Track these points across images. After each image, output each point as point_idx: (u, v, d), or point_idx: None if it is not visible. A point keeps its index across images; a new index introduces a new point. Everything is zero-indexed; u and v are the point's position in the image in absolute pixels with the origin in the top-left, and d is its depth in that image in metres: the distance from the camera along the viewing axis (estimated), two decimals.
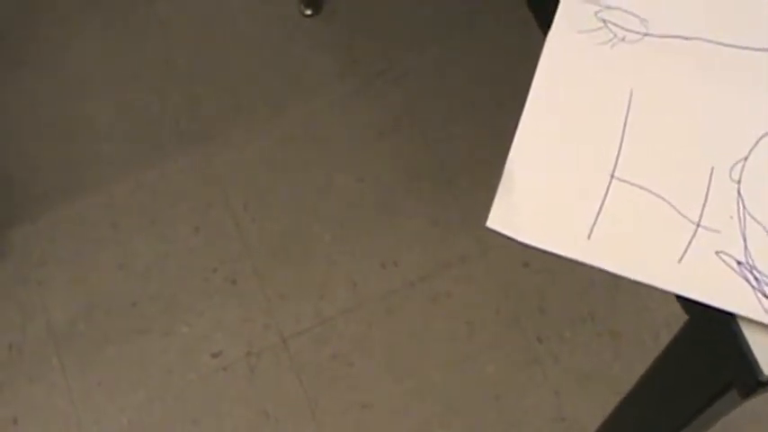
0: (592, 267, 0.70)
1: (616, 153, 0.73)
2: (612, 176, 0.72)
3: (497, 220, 0.72)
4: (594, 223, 0.71)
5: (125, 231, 1.74)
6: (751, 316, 0.68)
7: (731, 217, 0.70)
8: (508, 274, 1.69)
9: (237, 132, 1.82)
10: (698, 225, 0.70)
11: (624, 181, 0.72)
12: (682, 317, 0.76)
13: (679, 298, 0.71)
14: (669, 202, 0.71)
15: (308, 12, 1.92)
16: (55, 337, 1.66)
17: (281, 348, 1.65)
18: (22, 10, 1.95)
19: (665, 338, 0.86)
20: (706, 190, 0.71)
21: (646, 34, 0.76)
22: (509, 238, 0.72)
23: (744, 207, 0.70)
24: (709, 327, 0.71)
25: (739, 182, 0.71)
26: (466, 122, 1.81)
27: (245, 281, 1.70)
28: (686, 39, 0.76)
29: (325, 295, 1.69)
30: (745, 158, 0.72)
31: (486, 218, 0.73)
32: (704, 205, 0.71)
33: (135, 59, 1.89)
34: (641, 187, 0.72)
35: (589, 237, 0.71)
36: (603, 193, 0.72)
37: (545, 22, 0.78)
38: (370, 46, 1.89)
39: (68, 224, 1.75)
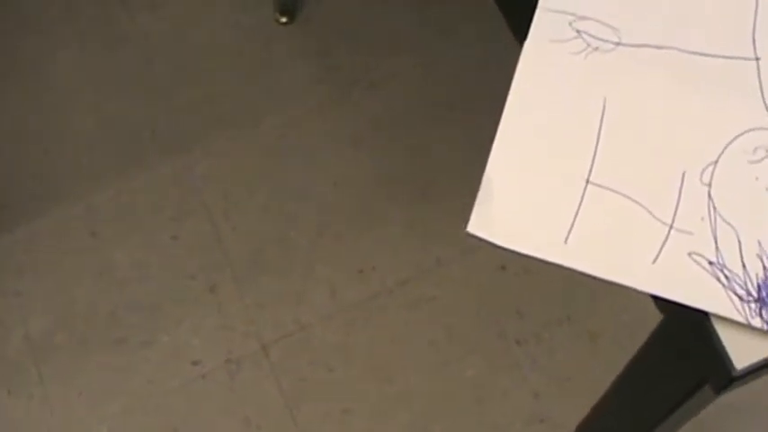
0: (569, 270, 0.72)
1: (591, 159, 0.75)
2: (588, 182, 0.74)
3: (477, 225, 0.74)
4: (571, 227, 0.73)
5: (104, 240, 1.75)
6: (723, 314, 0.70)
7: (702, 219, 0.72)
8: (486, 278, 1.71)
9: (216, 141, 1.83)
10: (671, 227, 0.72)
11: (599, 186, 0.74)
12: (658, 317, 0.78)
13: (654, 298, 0.73)
14: (643, 206, 0.73)
15: (284, 20, 1.93)
16: (33, 347, 1.67)
17: (260, 355, 1.66)
18: (1, 21, 1.95)
19: (642, 339, 0.88)
20: (678, 193, 0.73)
21: (618, 44, 0.78)
22: (489, 243, 0.73)
23: (714, 209, 0.72)
24: (684, 325, 0.73)
25: (710, 185, 0.73)
26: (443, 128, 1.82)
27: (224, 288, 1.71)
28: (658, 48, 0.78)
29: (304, 302, 1.70)
30: (715, 162, 0.74)
31: (463, 222, 0.75)
32: (676, 208, 0.73)
33: (114, 69, 1.90)
34: (616, 192, 0.74)
35: (566, 240, 0.73)
36: (579, 197, 0.74)
37: (521, 31, 0.80)
38: (346, 53, 1.91)
39: (47, 234, 1.75)
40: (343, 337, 1.68)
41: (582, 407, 1.22)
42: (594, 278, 0.72)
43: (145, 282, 1.72)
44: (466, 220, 0.75)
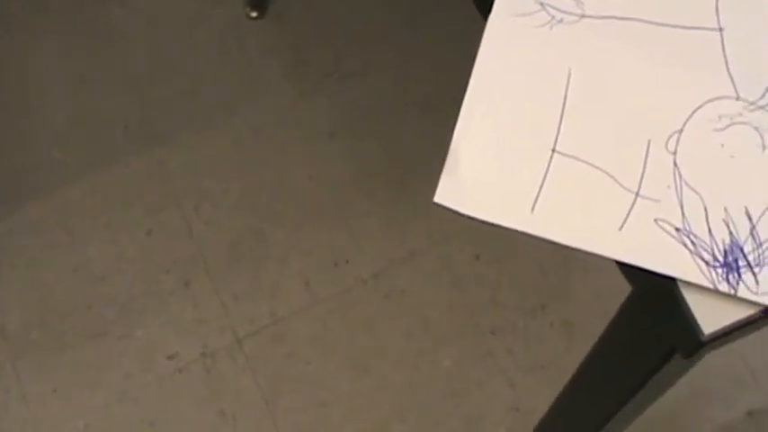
0: (537, 238, 0.73)
1: (556, 129, 0.75)
2: (554, 151, 0.75)
3: (444, 195, 0.74)
4: (537, 196, 0.73)
5: (78, 235, 1.74)
6: (690, 279, 0.70)
7: (668, 186, 0.73)
8: (460, 268, 1.71)
9: (189, 135, 1.83)
10: (637, 195, 0.73)
11: (565, 155, 0.74)
12: None
13: (622, 267, 0.73)
14: (609, 174, 0.74)
15: (254, 14, 1.94)
16: (9, 342, 1.66)
17: (236, 349, 1.66)
18: None
19: None
20: (644, 161, 0.74)
21: (582, 15, 0.79)
22: (456, 212, 0.74)
23: (680, 176, 0.73)
24: (652, 293, 0.74)
25: (675, 153, 0.74)
26: (416, 120, 1.83)
27: (199, 282, 1.71)
28: (622, 19, 0.79)
29: (279, 295, 1.70)
30: (680, 131, 0.75)
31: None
32: (642, 176, 0.73)
33: (86, 63, 1.90)
34: (581, 160, 0.74)
35: (533, 209, 0.73)
36: (545, 166, 0.74)
37: (486, 7, 0.81)
38: (318, 47, 1.91)
39: (21, 229, 1.75)
40: (318, 330, 1.68)
41: (557, 395, 1.22)
42: (562, 246, 0.72)
43: (120, 277, 1.72)
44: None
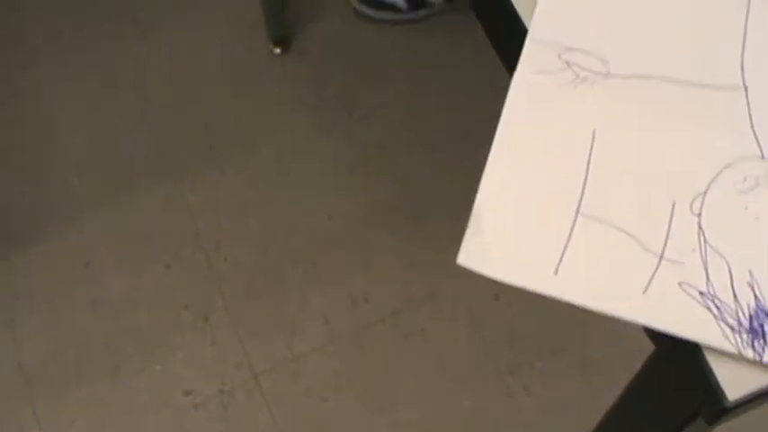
0: (560, 300, 0.72)
1: (581, 190, 0.75)
2: (578, 212, 0.74)
3: (468, 256, 0.74)
4: (561, 258, 0.73)
5: (97, 269, 1.75)
6: (714, 345, 0.69)
7: (693, 249, 0.72)
8: (479, 308, 1.70)
9: (209, 170, 1.83)
10: (661, 257, 0.72)
11: (589, 217, 0.74)
12: (651, 347, 0.78)
13: (646, 329, 0.72)
14: (633, 236, 0.73)
15: (277, 50, 1.95)
16: (26, 376, 1.66)
17: (253, 385, 1.66)
18: None
19: (636, 369, 0.88)
20: (668, 223, 0.73)
21: (607, 74, 0.79)
22: (480, 274, 0.73)
23: (705, 239, 0.72)
24: (675, 356, 0.73)
25: (700, 215, 0.73)
26: (435, 158, 1.83)
27: (217, 318, 1.71)
28: (647, 78, 0.78)
29: (297, 332, 1.70)
30: (705, 193, 0.74)
31: (456, 251, 0.75)
32: (666, 238, 0.73)
33: (107, 96, 1.91)
34: (605, 222, 0.74)
35: (556, 271, 0.73)
36: (569, 228, 0.74)
37: (511, 62, 0.81)
38: (339, 83, 1.92)
39: (40, 262, 1.75)
40: (336, 368, 1.67)
41: None
42: (585, 309, 0.72)
43: (138, 311, 1.72)
44: (457, 249, 0.75)
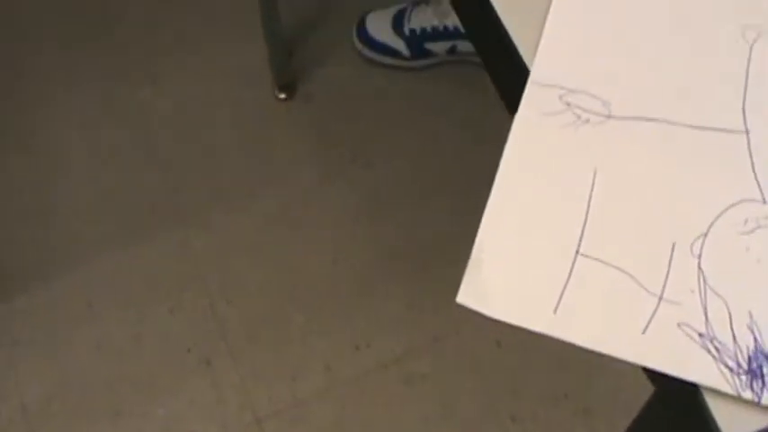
0: (559, 341, 0.72)
1: (581, 230, 0.75)
2: (577, 253, 0.75)
3: (467, 295, 0.74)
4: (560, 298, 0.73)
5: (100, 312, 1.75)
6: (713, 386, 0.69)
7: (692, 290, 0.73)
8: (481, 354, 1.70)
9: (214, 215, 1.84)
10: (660, 298, 0.72)
11: (589, 257, 0.74)
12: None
13: (645, 369, 0.73)
14: (632, 277, 0.73)
15: (283, 96, 1.96)
16: (28, 417, 1.66)
17: (255, 429, 1.65)
18: (3, 86, 1.98)
19: None
20: (668, 265, 0.73)
21: (609, 116, 0.79)
22: (479, 313, 0.74)
23: (704, 281, 0.73)
24: (675, 397, 0.73)
25: (700, 256, 0.74)
26: (439, 205, 1.84)
27: (220, 362, 1.70)
28: (648, 120, 0.79)
29: (299, 377, 1.70)
30: (705, 235, 0.74)
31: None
32: (666, 279, 0.73)
33: (113, 141, 1.92)
34: (605, 263, 0.74)
35: (555, 311, 0.73)
36: (569, 268, 0.74)
37: (513, 104, 0.81)
38: (344, 129, 1.93)
39: (43, 304, 1.75)
40: (338, 413, 1.67)
41: None
42: (584, 349, 0.72)
43: (141, 354, 1.72)
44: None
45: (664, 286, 0.73)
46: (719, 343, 0.71)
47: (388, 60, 2.00)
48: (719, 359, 0.70)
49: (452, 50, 1.98)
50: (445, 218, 1.82)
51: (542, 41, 0.82)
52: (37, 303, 1.76)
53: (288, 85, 1.96)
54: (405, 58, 2.00)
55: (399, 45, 1.99)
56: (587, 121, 0.79)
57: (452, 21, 1.96)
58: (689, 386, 0.71)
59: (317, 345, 1.72)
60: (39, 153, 1.91)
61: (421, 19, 1.99)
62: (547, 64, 0.81)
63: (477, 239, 0.76)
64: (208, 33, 2.06)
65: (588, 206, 0.76)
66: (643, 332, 0.72)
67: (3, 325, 1.74)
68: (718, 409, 0.70)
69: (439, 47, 1.98)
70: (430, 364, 1.70)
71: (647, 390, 0.78)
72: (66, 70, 2.01)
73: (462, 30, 1.95)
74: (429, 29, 1.98)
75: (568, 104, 0.80)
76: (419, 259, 1.79)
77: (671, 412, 0.76)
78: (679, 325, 0.72)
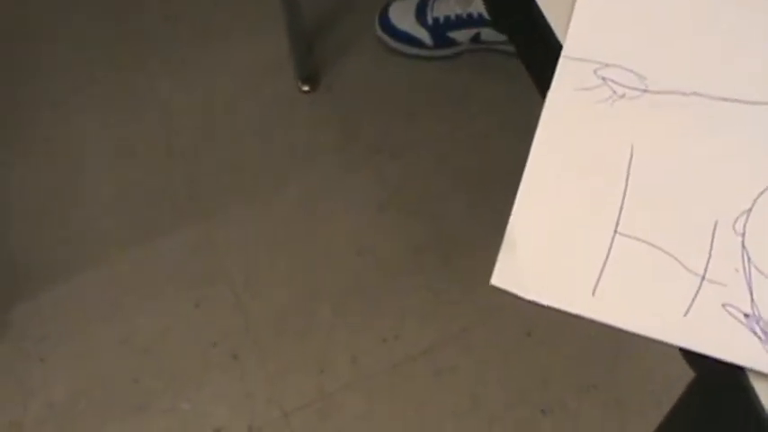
0: (588, 329, 0.70)
1: (619, 208, 0.73)
2: (616, 232, 0.72)
3: (501, 277, 0.72)
4: (599, 279, 0.71)
5: (126, 307, 1.74)
6: (760, 369, 0.67)
7: (737, 270, 0.70)
8: (511, 345, 1.68)
9: (237, 208, 1.82)
10: (703, 278, 0.70)
11: (627, 236, 0.72)
12: (684, 383, 0.76)
13: (684, 353, 0.70)
14: (673, 256, 0.71)
15: (306, 88, 1.95)
16: (56, 413, 1.65)
17: (282, 423, 1.64)
18: (23, 84, 1.97)
19: (668, 406, 0.85)
20: (710, 243, 0.71)
21: (645, 90, 0.77)
22: (508, 302, 0.71)
23: (749, 259, 0.70)
24: (718, 382, 0.71)
25: (743, 234, 0.71)
26: (465, 195, 1.82)
27: (246, 355, 1.69)
28: (685, 94, 0.77)
29: (327, 370, 1.68)
30: (749, 211, 0.72)
31: (487, 288, 0.73)
32: (709, 258, 0.70)
33: (135, 136, 1.91)
34: (645, 242, 0.72)
35: (594, 292, 0.70)
36: (607, 248, 0.72)
37: (543, 83, 0.79)
38: (368, 120, 1.91)
39: (69, 300, 1.74)
40: (365, 406, 1.65)
41: None
42: (623, 331, 0.69)
43: (167, 349, 1.70)
44: (489, 288, 0.73)
45: (706, 266, 0.70)
46: (766, 323, 0.68)
47: (411, 50, 1.98)
48: (766, 341, 0.68)
49: (476, 38, 1.96)
50: (471, 208, 1.80)
51: (575, 14, 0.80)
52: (62, 300, 1.75)
53: (310, 76, 1.95)
54: (428, 48, 1.98)
55: (422, 35, 1.97)
56: (623, 95, 0.77)
57: (476, 8, 1.94)
58: (734, 369, 0.68)
59: (344, 337, 1.70)
60: (59, 150, 1.90)
61: (444, 7, 1.97)
62: (580, 37, 0.79)
63: (511, 220, 0.73)
64: (228, 26, 2.04)
65: (626, 184, 0.73)
66: (685, 314, 0.69)
67: (29, 322, 1.73)
68: (765, 393, 0.67)
69: (462, 35, 1.96)
70: (458, 356, 1.68)
71: (677, 378, 0.76)
72: (85, 67, 1.99)
73: (486, 17, 1.92)
74: (453, 17, 1.96)
75: (603, 79, 0.77)
76: (445, 249, 1.77)
77: (713, 397, 0.74)
78: (723, 306, 0.69)
